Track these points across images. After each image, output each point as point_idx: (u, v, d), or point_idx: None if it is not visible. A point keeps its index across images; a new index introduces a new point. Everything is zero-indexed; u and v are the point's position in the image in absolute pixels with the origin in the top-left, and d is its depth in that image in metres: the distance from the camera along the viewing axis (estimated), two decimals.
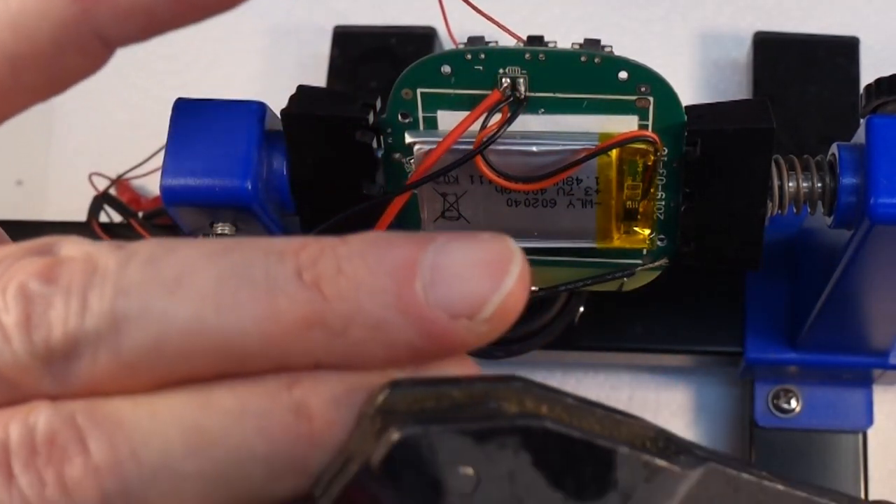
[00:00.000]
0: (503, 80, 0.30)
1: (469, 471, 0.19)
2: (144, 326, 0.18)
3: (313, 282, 0.18)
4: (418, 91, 0.31)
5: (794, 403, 0.42)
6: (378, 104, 0.31)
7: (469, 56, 0.30)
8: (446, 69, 0.30)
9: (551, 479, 0.19)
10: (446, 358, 0.19)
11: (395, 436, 0.18)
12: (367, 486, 0.18)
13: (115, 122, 0.51)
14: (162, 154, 0.31)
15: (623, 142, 0.30)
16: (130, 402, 0.18)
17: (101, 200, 0.46)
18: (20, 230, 0.47)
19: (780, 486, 0.21)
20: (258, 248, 0.18)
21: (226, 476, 0.18)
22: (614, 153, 0.30)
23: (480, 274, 0.18)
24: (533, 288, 0.33)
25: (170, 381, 0.18)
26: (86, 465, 0.17)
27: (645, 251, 0.33)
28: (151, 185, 0.48)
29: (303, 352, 0.18)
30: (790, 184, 0.32)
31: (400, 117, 0.31)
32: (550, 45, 0.31)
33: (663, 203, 0.32)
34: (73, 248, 0.20)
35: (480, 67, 0.30)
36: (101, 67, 0.23)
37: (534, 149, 0.30)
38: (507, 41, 0.31)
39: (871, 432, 0.42)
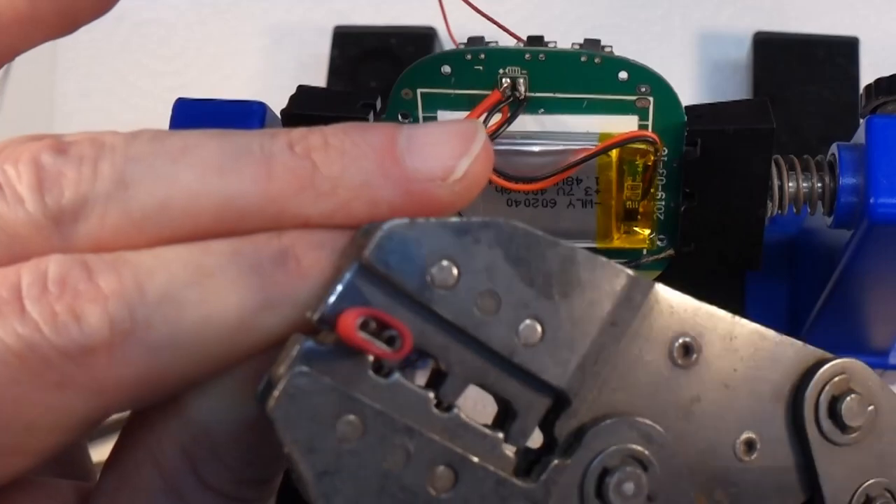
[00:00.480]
0: (503, 80, 0.30)
1: (451, 265, 0.21)
2: (152, 187, 0.19)
3: (304, 152, 0.20)
4: (418, 91, 0.31)
5: None
6: (378, 104, 0.31)
7: (469, 56, 0.30)
8: (446, 69, 0.30)
9: (523, 276, 0.21)
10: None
11: (384, 227, 0.20)
12: (358, 290, 0.20)
13: (116, 123, 0.51)
14: None
15: (623, 142, 0.30)
16: (136, 251, 0.20)
17: None
18: None
19: (715, 309, 0.24)
20: (252, 132, 0.21)
21: (223, 304, 0.19)
22: (614, 153, 0.31)
23: (451, 141, 0.21)
24: None
25: (172, 239, 0.20)
26: (95, 294, 0.19)
27: (645, 251, 0.33)
28: None
29: (295, 212, 0.20)
30: (790, 184, 0.32)
31: (400, 117, 0.31)
32: (550, 45, 0.31)
33: (663, 203, 0.32)
34: (77, 134, 0.21)
35: (480, 67, 0.30)
36: (109, 8, 0.24)
37: (534, 149, 0.30)
38: (507, 41, 0.31)
39: None
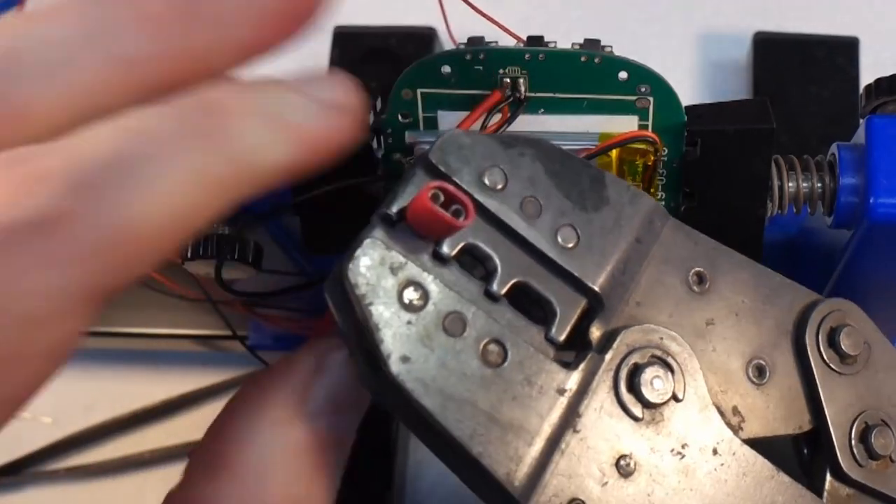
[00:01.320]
0: (503, 80, 0.30)
1: (500, 171, 0.24)
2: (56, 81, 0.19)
3: None
4: (418, 91, 0.31)
5: None
6: (378, 104, 0.31)
7: (469, 56, 0.30)
8: (446, 69, 0.30)
9: (561, 188, 0.24)
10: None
11: (446, 135, 0.24)
12: (426, 179, 0.23)
13: None
14: None
15: (623, 142, 0.30)
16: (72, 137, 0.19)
17: None
18: None
19: (728, 248, 0.27)
20: None
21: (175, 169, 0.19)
22: (614, 153, 0.31)
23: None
24: None
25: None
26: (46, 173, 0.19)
27: None
28: None
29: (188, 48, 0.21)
30: (790, 184, 0.32)
31: (400, 117, 0.31)
32: (550, 45, 0.31)
33: (663, 203, 0.32)
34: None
35: (480, 67, 0.30)
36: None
37: None
38: (507, 41, 0.31)
39: None
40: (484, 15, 0.31)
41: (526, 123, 0.30)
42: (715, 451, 0.25)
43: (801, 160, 0.32)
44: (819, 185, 0.32)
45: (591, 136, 0.30)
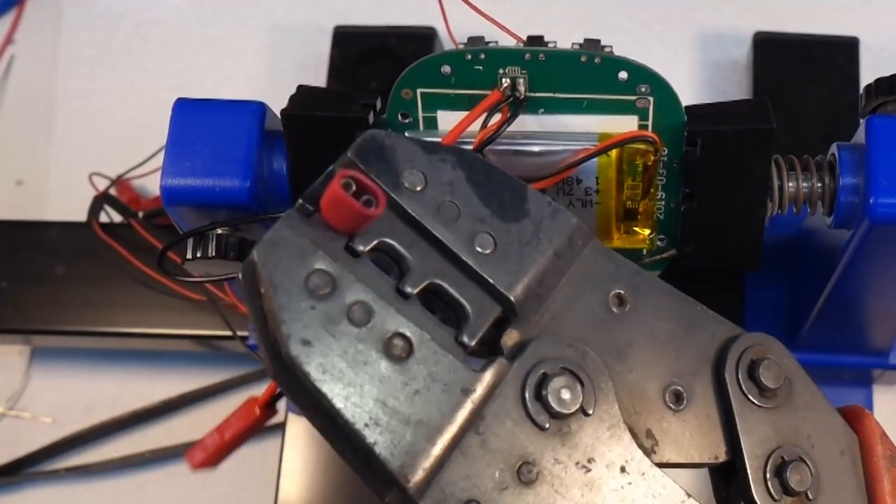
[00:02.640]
0: (503, 80, 0.30)
1: (419, 173, 0.24)
2: None
3: None
4: (418, 91, 0.31)
5: None
6: (378, 104, 0.31)
7: (469, 56, 0.30)
8: (446, 69, 0.30)
9: (481, 196, 0.25)
10: None
11: (366, 133, 0.24)
12: (343, 174, 0.23)
13: (115, 122, 0.51)
14: (162, 154, 0.31)
15: (623, 142, 0.30)
16: None
17: (101, 200, 0.46)
18: (20, 230, 0.47)
19: (650, 274, 0.26)
20: None
21: None
22: (614, 153, 0.31)
23: None
24: None
25: None
26: None
27: (645, 251, 0.33)
28: (151, 185, 0.48)
29: None
30: (790, 184, 0.32)
31: (400, 117, 0.31)
32: (550, 45, 0.31)
33: (663, 203, 0.32)
34: None
35: (480, 67, 0.30)
36: None
37: (534, 149, 0.30)
38: (507, 41, 0.31)
39: None
40: (484, 15, 0.31)
41: (526, 123, 0.30)
42: (623, 469, 0.24)
43: (801, 160, 0.32)
44: (819, 185, 0.32)
45: (591, 136, 0.30)
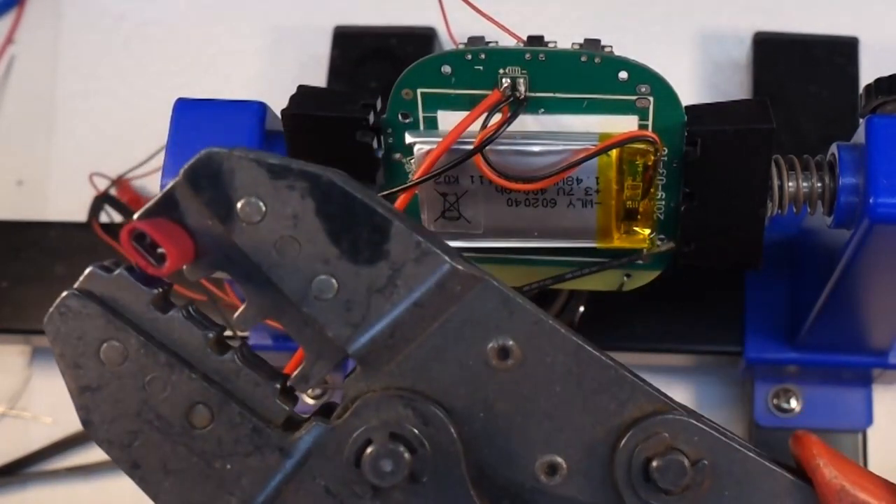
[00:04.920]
0: (503, 80, 0.30)
1: (259, 203, 0.21)
2: None
3: None
4: (418, 91, 0.31)
5: (793, 403, 0.42)
6: (378, 104, 0.31)
7: (469, 56, 0.30)
8: (446, 69, 0.30)
9: (330, 233, 0.21)
10: None
11: (203, 151, 0.21)
12: (172, 202, 0.21)
13: (115, 122, 0.51)
14: (162, 154, 0.31)
15: (623, 142, 0.30)
16: None
17: (101, 200, 0.46)
18: (20, 230, 0.47)
19: (557, 325, 0.23)
20: None
21: None
22: (614, 153, 0.31)
23: None
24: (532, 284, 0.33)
25: None
26: None
27: (645, 251, 0.33)
28: (152, 185, 0.48)
29: None
30: (790, 184, 0.32)
31: (400, 117, 0.31)
32: (550, 45, 0.31)
33: (663, 203, 0.32)
34: None
35: (480, 67, 0.30)
36: None
37: (534, 149, 0.30)
38: (507, 41, 0.31)
39: (870, 432, 0.42)
40: (484, 15, 0.31)
41: (526, 123, 0.30)
42: None
43: (801, 160, 0.32)
44: (819, 185, 0.32)
45: (591, 136, 0.30)
